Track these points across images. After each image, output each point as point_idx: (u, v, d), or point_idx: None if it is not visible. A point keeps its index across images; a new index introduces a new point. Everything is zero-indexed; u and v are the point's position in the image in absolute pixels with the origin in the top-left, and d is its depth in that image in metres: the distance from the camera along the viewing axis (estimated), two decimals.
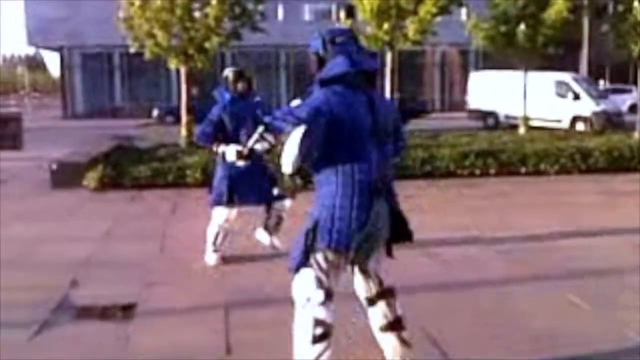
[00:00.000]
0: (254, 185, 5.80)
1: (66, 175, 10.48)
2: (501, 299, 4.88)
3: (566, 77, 22.45)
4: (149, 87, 35.72)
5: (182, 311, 4.76)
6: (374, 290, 3.33)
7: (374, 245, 3.16)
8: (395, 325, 3.34)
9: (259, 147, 5.31)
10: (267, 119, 5.00)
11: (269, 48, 34.22)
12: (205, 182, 10.31)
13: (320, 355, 3.14)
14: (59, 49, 36.30)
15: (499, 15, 16.96)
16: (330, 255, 3.08)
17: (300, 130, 2.99)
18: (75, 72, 37.25)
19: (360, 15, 13.38)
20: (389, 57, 13.28)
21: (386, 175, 3.19)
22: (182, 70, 13.77)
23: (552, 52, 17.45)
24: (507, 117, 22.42)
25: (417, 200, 9.16)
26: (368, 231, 3.04)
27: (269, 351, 4.01)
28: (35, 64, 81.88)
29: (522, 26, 16.61)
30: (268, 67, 37.19)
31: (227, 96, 5.85)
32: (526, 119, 18.00)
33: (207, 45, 13.31)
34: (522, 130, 17.45)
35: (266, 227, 6.20)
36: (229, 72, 5.96)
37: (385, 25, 12.55)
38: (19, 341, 4.22)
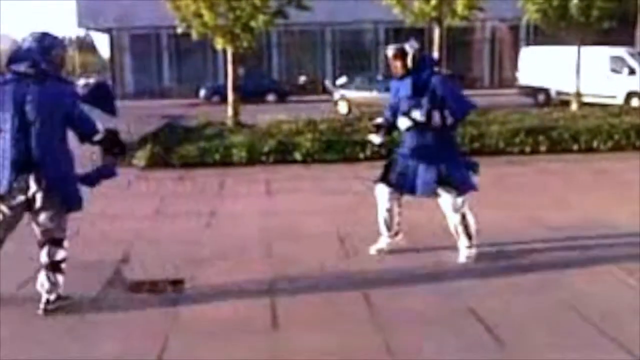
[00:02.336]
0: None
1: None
2: (552, 280, 4.76)
3: (621, 51, 21.70)
4: (196, 68, 36.03)
5: (230, 287, 4.81)
6: (39, 237, 4.24)
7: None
8: (49, 266, 4.24)
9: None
10: None
11: (314, 26, 34.02)
12: (251, 160, 10.45)
13: None
14: (108, 31, 36.90)
15: None
16: None
17: None
18: (124, 54, 37.84)
19: None
20: (436, 33, 13.03)
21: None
22: (229, 50, 13.80)
23: (607, 26, 16.83)
24: (558, 93, 21.84)
25: None
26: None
27: (314, 328, 4.02)
28: (85, 46, 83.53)
29: None
30: (314, 45, 37.04)
31: None
32: (579, 95, 17.48)
33: (253, 24, 13.29)
34: (574, 106, 16.93)
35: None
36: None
37: (433, 1, 12.29)
38: (74, 311, 4.33)
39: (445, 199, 5.10)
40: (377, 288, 4.66)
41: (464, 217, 5.08)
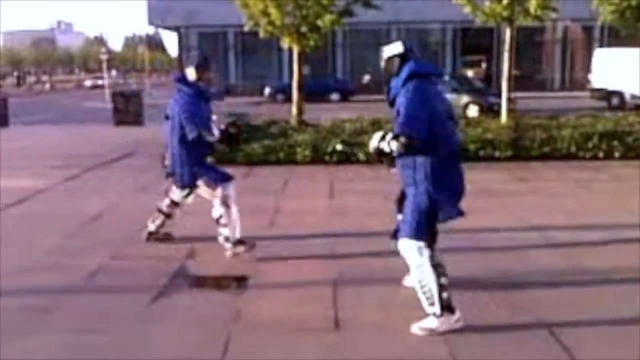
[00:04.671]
0: None
1: None
2: (623, 289, 4.55)
3: None
4: (262, 66, 36.41)
5: (292, 285, 4.79)
6: None
7: None
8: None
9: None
10: None
11: (380, 25, 33.82)
12: (315, 159, 10.44)
13: None
14: (177, 29, 37.71)
15: None
16: None
17: None
18: (192, 51, 38.58)
19: None
20: (507, 33, 12.66)
21: None
22: (295, 49, 13.83)
23: None
24: (633, 97, 21.01)
25: (535, 183, 8.76)
26: None
27: (377, 329, 3.95)
28: (154, 44, 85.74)
29: None
30: (379, 44, 36.74)
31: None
32: None
33: (319, 23, 13.25)
34: None
35: None
36: None
37: (504, 0, 11.96)
38: (139, 305, 4.40)
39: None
40: None
41: (420, 270, 3.89)
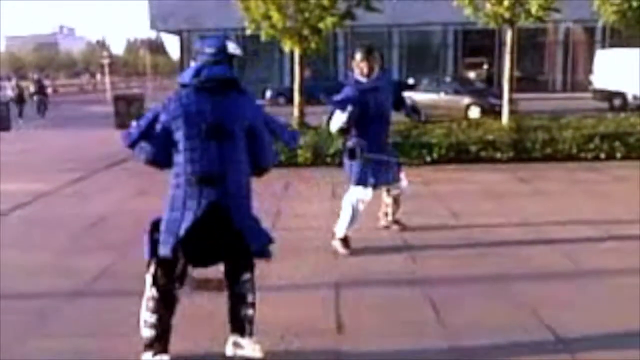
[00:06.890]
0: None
1: None
2: (624, 289, 4.56)
3: None
4: (263, 69, 36.45)
5: (294, 287, 4.80)
6: None
7: None
8: None
9: None
10: None
11: (381, 27, 33.86)
12: (315, 162, 10.45)
13: None
14: (179, 32, 37.77)
15: None
16: None
17: None
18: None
19: None
20: (508, 35, 12.67)
21: None
22: (296, 52, 13.84)
23: None
24: (635, 97, 21.00)
25: (537, 184, 8.77)
26: None
27: (379, 334, 3.96)
28: (156, 47, 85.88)
29: None
30: (381, 46, 36.88)
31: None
32: None
33: (321, 25, 13.26)
34: None
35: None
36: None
37: (506, 2, 11.96)
38: (135, 306, 4.40)
39: None
40: (442, 292, 4.56)
41: None
